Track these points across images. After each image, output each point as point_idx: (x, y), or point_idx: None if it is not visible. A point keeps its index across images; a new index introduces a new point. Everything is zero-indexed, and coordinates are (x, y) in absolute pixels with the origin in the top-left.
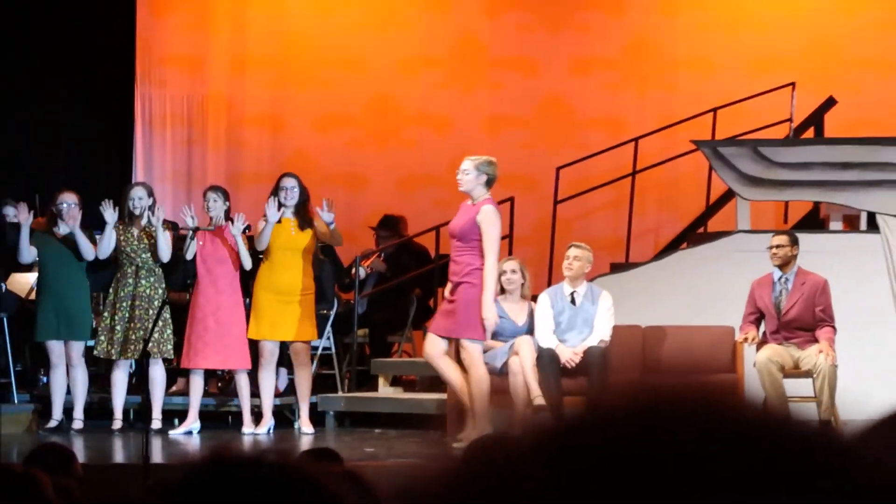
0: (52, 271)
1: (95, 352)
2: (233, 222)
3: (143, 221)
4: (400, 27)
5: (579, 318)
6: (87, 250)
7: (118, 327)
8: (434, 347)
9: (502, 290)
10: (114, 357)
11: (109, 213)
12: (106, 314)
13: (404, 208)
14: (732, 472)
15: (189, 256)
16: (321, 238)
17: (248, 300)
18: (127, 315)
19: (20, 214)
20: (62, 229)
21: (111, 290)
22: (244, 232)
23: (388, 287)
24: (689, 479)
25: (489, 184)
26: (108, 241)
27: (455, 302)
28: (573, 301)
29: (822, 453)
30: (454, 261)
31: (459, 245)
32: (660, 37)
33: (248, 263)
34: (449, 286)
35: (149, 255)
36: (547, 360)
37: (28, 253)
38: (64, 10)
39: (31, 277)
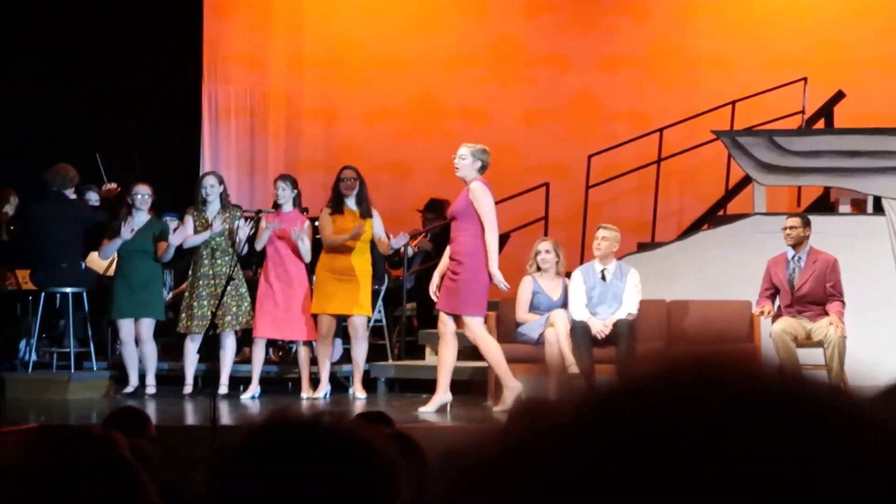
0: (128, 256)
1: (178, 328)
2: (300, 209)
3: (216, 207)
4: (442, 28)
5: (609, 294)
6: (166, 256)
7: (195, 304)
8: (444, 325)
9: (538, 269)
10: (196, 332)
11: (218, 225)
12: (186, 293)
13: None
14: (753, 431)
15: (259, 246)
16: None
17: (311, 278)
18: (205, 293)
19: (124, 233)
20: (137, 218)
21: (190, 272)
22: (305, 213)
23: (434, 264)
24: (713, 445)
25: (482, 170)
26: (191, 241)
27: (456, 280)
28: (603, 277)
29: (836, 414)
30: (454, 240)
31: (458, 226)
32: (681, 37)
33: (307, 257)
34: (446, 265)
35: (222, 238)
36: (580, 331)
37: (110, 253)
38: (137, 15)
39: None
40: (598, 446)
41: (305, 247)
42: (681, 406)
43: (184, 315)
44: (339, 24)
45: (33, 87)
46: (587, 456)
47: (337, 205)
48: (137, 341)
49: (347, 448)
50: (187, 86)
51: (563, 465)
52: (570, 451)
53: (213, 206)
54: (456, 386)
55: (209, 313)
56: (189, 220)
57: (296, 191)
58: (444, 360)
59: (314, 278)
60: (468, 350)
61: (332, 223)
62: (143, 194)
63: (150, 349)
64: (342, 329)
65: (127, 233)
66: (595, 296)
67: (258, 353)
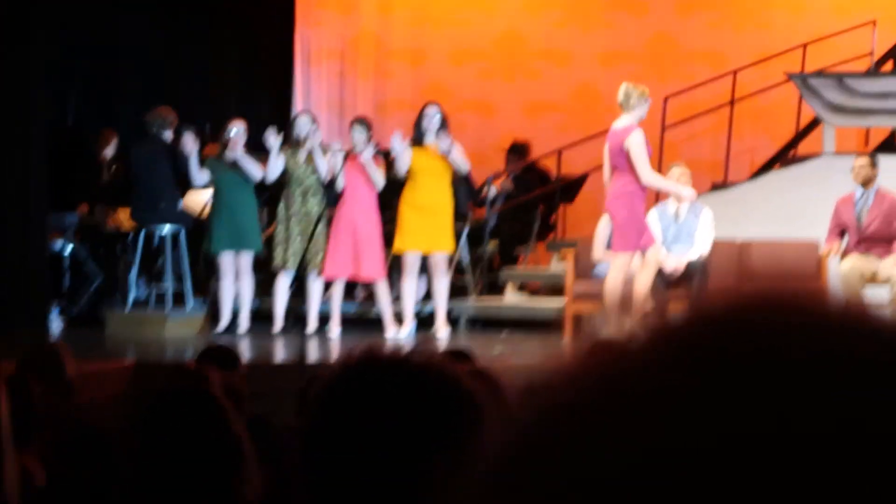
0: (225, 190)
1: (275, 265)
2: (375, 147)
3: (309, 146)
4: None
5: (684, 232)
6: (254, 172)
7: (289, 241)
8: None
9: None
10: (291, 269)
11: (273, 140)
12: (280, 229)
13: (529, 134)
14: (816, 360)
15: (340, 186)
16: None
17: (388, 213)
18: (296, 230)
19: (186, 145)
20: (232, 154)
21: (280, 208)
22: (384, 156)
23: (515, 204)
24: (779, 371)
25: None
26: (274, 166)
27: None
28: (677, 217)
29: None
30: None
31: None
32: None
33: (380, 184)
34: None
35: (314, 177)
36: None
37: (199, 177)
38: None
39: (203, 196)
40: (673, 369)
41: (377, 172)
42: (752, 331)
43: (279, 249)
44: None
45: (134, 33)
46: (661, 390)
47: (417, 139)
48: (237, 275)
49: (436, 384)
50: (280, 31)
51: (637, 402)
52: (643, 386)
53: (310, 145)
54: (536, 324)
55: (300, 250)
56: (280, 159)
57: (370, 132)
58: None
59: (397, 215)
60: (547, 288)
61: (410, 154)
62: (238, 129)
63: (248, 283)
64: (424, 266)
65: (231, 153)
66: (670, 235)
67: (337, 291)
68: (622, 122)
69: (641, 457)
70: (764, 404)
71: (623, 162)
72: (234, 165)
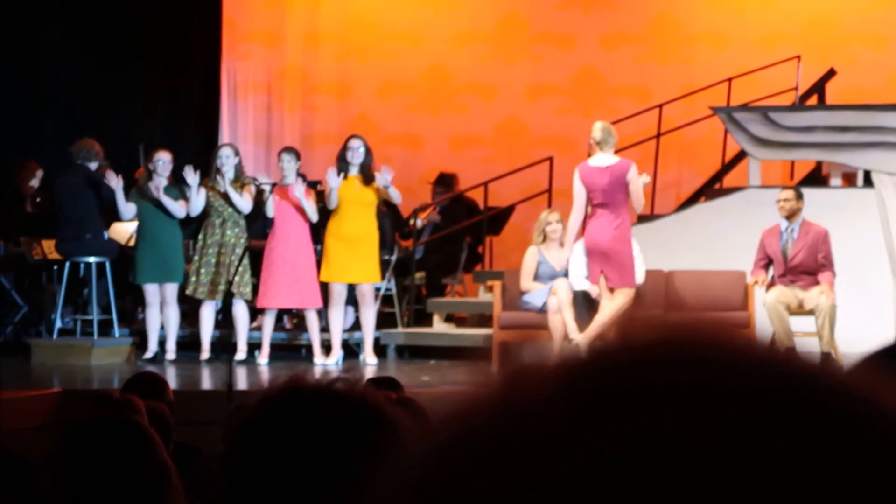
0: (150, 222)
1: (187, 291)
2: (303, 179)
3: (230, 178)
4: (451, 5)
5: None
6: (177, 212)
7: (203, 270)
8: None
9: (545, 239)
10: (200, 297)
11: (191, 177)
12: (195, 258)
13: (456, 166)
14: (741, 401)
15: (270, 213)
16: (381, 194)
17: (318, 247)
18: (213, 260)
19: (111, 181)
20: (157, 183)
21: (199, 237)
22: (313, 187)
23: (442, 235)
24: (699, 406)
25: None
26: (195, 202)
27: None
28: None
29: (824, 389)
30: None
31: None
32: (679, 14)
33: (314, 217)
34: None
35: (234, 208)
36: (581, 300)
37: (126, 211)
38: None
39: (129, 227)
40: (587, 397)
41: (311, 206)
42: (671, 365)
43: (193, 279)
44: (353, 1)
45: (58, 63)
46: (552, 417)
47: (341, 172)
48: (161, 305)
49: (358, 411)
50: (207, 63)
51: (552, 431)
52: (560, 414)
53: (228, 177)
54: (463, 352)
55: (220, 280)
56: (202, 194)
57: (298, 162)
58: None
59: (321, 247)
60: (474, 318)
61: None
62: (163, 160)
63: (174, 313)
64: (353, 296)
65: (154, 190)
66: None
67: (268, 321)
68: (609, 159)
69: (523, 482)
70: (646, 427)
71: (622, 197)
72: (165, 190)
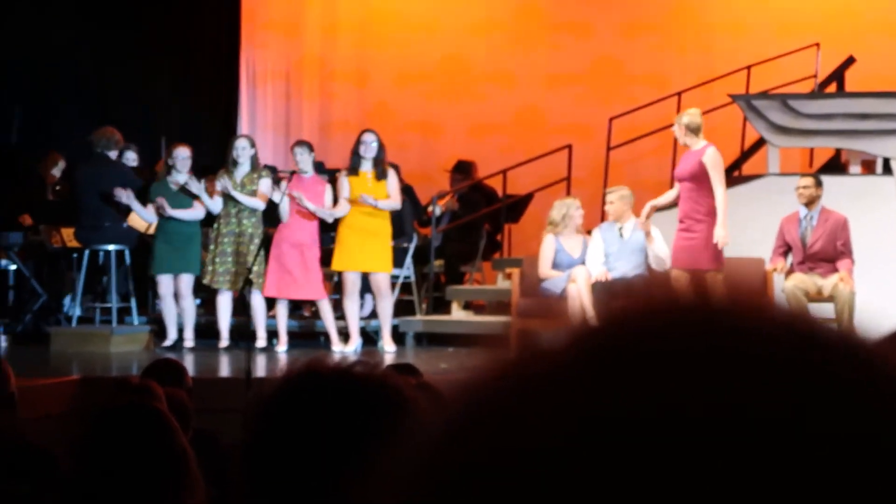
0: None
1: (204, 281)
2: (321, 168)
3: (246, 169)
4: None
5: (627, 249)
6: (195, 217)
7: (218, 259)
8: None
9: (565, 227)
10: (216, 286)
11: (196, 187)
12: (211, 247)
13: (474, 154)
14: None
15: (284, 218)
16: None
17: (331, 234)
18: (230, 250)
19: (120, 198)
20: (176, 177)
21: (215, 226)
22: (330, 175)
23: (461, 223)
24: (711, 372)
25: (697, 131)
26: (213, 206)
27: (696, 239)
28: (621, 235)
29: (847, 350)
30: (693, 200)
31: (693, 186)
32: (698, 2)
33: (330, 220)
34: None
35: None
36: (600, 287)
37: (148, 216)
38: None
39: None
40: (592, 366)
41: (324, 214)
42: (685, 332)
43: (210, 269)
44: None
45: (80, 54)
46: (559, 385)
47: (354, 167)
48: (177, 297)
49: (378, 393)
50: (226, 53)
51: (566, 397)
52: (574, 380)
53: (244, 168)
54: (480, 340)
55: (237, 270)
56: (218, 200)
57: (312, 154)
58: None
59: (335, 235)
60: (493, 305)
61: (347, 185)
62: (182, 156)
63: (189, 304)
64: (368, 285)
65: (174, 186)
66: (614, 252)
67: (280, 309)
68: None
69: (537, 450)
70: (647, 393)
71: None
72: (179, 190)
